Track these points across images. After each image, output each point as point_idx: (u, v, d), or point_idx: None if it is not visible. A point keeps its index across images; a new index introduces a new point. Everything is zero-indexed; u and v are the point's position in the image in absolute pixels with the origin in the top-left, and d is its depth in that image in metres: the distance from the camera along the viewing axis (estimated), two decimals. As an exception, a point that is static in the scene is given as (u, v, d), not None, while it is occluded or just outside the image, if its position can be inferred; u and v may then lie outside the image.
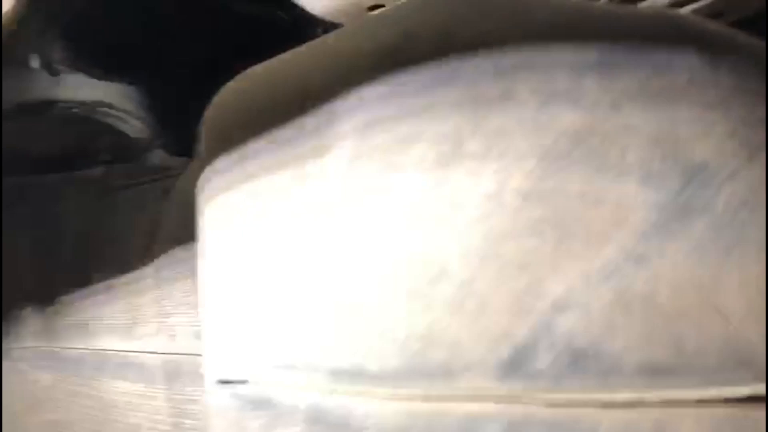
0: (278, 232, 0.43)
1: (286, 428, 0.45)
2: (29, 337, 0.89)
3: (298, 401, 0.44)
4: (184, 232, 0.69)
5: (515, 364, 0.36)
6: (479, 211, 0.36)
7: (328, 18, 0.56)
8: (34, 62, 0.88)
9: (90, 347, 0.81)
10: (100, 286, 0.79)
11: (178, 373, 0.69)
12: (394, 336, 0.39)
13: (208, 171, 0.50)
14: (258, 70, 0.51)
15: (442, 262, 0.38)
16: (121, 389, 0.77)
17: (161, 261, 0.71)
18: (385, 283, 0.39)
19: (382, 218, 0.39)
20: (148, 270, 0.73)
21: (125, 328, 0.75)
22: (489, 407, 0.37)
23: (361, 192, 0.39)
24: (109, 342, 0.78)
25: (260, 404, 0.47)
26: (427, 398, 0.38)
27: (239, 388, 0.48)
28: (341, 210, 0.40)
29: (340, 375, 0.42)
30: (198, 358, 0.67)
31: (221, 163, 0.48)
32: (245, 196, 0.46)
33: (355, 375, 0.41)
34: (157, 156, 0.86)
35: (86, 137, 0.92)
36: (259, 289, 0.46)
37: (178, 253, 0.70)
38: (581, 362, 0.35)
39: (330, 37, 0.49)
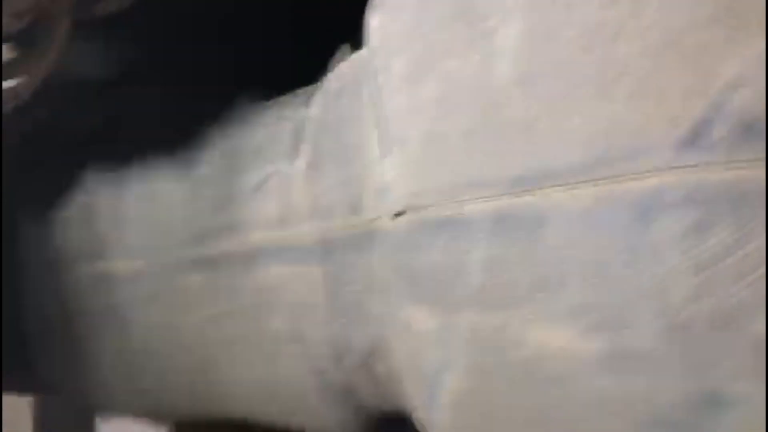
0: (458, 42, 0.49)
1: (470, 240, 0.51)
2: (176, 245, 0.97)
3: (482, 212, 0.50)
4: (332, 125, 0.76)
5: (694, 139, 0.41)
6: (658, 12, 0.42)
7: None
8: None
9: (240, 244, 0.88)
10: (248, 186, 0.86)
11: (335, 249, 0.75)
12: (578, 133, 0.45)
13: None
14: None
15: (624, 60, 0.43)
16: (275, 275, 0.84)
17: (311, 154, 0.78)
18: (568, 84, 0.45)
19: (564, 27, 0.44)
20: (298, 163, 0.79)
21: (277, 219, 0.82)
22: (670, 179, 0.42)
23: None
24: (260, 236, 0.85)
25: (442, 224, 0.53)
26: (612, 181, 0.44)
27: (420, 214, 0.54)
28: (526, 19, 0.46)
29: (525, 179, 0.48)
30: (352, 230, 0.74)
31: None
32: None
33: (541, 177, 0.47)
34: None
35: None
36: (434, 111, 0.52)
37: (327, 144, 0.76)
38: (753, 132, 0.40)
39: None
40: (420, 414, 0.63)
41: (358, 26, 0.68)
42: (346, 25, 0.75)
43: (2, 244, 1.34)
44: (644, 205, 0.43)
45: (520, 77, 0.47)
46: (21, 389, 1.71)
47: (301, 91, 0.88)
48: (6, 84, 0.67)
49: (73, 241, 1.09)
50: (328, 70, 0.82)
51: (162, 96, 0.98)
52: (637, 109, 0.43)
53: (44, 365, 1.25)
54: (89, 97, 0.97)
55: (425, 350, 0.57)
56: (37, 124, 1.03)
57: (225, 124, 0.94)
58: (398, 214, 0.56)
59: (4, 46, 0.65)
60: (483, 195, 0.50)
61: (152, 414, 1.06)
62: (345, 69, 0.74)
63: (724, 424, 0.42)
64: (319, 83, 0.84)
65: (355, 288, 0.74)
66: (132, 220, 1.01)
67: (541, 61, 0.46)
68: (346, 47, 0.81)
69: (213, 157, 0.93)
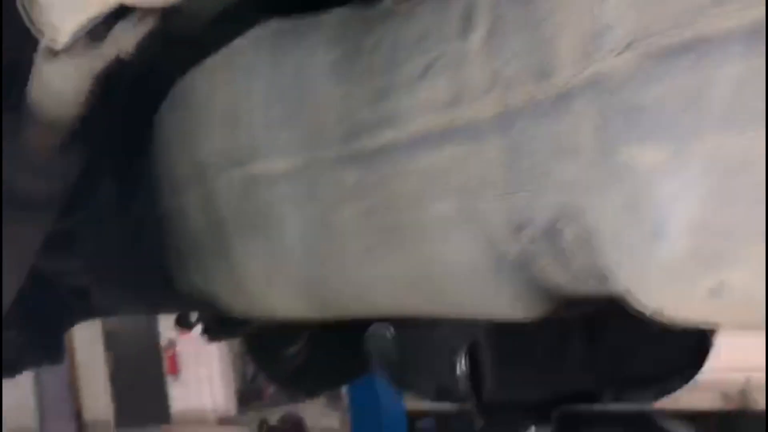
0: None
1: (718, 60, 0.51)
2: (330, 142, 0.98)
3: (735, 27, 0.50)
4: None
5: None
6: None
7: None
8: None
9: (403, 133, 0.89)
10: (411, 75, 0.87)
11: (516, 120, 0.75)
12: None
13: None
14: None
15: None
16: (443, 158, 0.84)
17: (488, 28, 0.78)
18: None
19: None
20: (472, 40, 0.80)
21: (448, 100, 0.82)
22: None
23: None
24: (427, 121, 0.85)
25: (682, 50, 0.53)
26: None
27: (654, 44, 0.54)
28: None
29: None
30: (539, 96, 0.74)
31: None
32: None
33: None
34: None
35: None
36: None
37: (510, 14, 0.76)
38: None
39: None
40: (631, 263, 0.63)
41: None
42: None
43: (134, 160, 1.38)
44: None
45: None
46: (157, 308, 1.76)
47: None
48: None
49: (221, 147, 1.11)
50: None
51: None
52: None
53: (192, 276, 1.28)
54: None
55: (651, 187, 0.57)
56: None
57: (379, 19, 0.95)
58: (625, 49, 0.56)
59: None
60: (735, 9, 0.49)
61: (307, 312, 1.09)
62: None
63: None
64: None
65: (540, 156, 0.75)
66: (284, 121, 1.02)
67: None
68: None
69: (369, 53, 0.93)
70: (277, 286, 1.10)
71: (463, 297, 0.90)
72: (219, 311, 1.35)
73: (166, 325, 13.84)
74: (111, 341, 14.44)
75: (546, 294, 0.85)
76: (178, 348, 13.45)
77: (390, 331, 1.31)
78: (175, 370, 14.06)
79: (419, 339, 1.17)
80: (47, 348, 2.51)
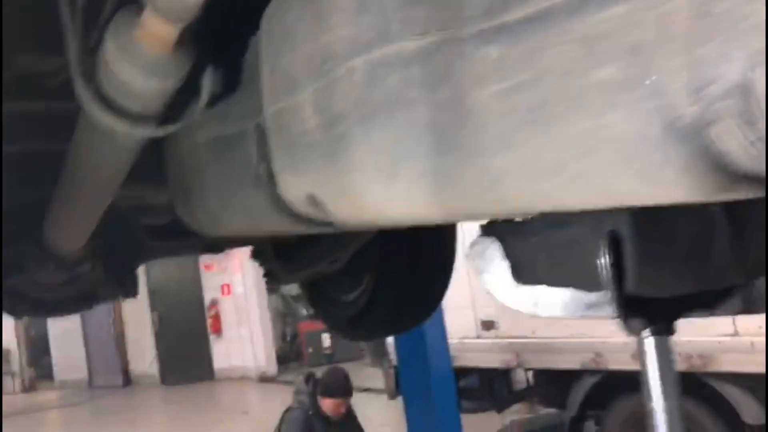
0: None
1: None
2: (469, 17, 0.92)
3: None
4: None
5: None
6: None
7: None
8: None
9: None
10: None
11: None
12: None
13: None
14: None
15: None
16: (609, 19, 0.77)
17: None
18: None
19: None
20: None
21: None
22: None
23: None
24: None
25: None
26: None
27: None
28: None
29: None
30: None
31: None
32: None
33: None
34: None
35: None
36: None
37: None
38: None
39: None
40: None
41: None
42: None
43: (236, 62, 1.32)
44: None
45: None
46: (254, 227, 1.70)
47: None
48: None
49: (345, 35, 1.05)
50: None
51: None
52: None
53: (299, 182, 1.24)
54: None
55: None
56: None
57: None
58: None
59: None
60: None
61: (429, 210, 1.03)
62: None
63: None
64: None
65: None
66: (418, -1, 0.97)
67: None
68: None
69: None
70: (401, 180, 1.04)
71: (618, 176, 0.84)
72: (323, 222, 1.31)
73: (208, 285, 14.10)
74: (156, 301, 14.70)
75: (715, 169, 0.78)
76: (220, 308, 13.64)
77: (498, 241, 1.25)
78: (218, 329, 14.29)
79: (544, 240, 1.11)
80: (121, 282, 2.51)
